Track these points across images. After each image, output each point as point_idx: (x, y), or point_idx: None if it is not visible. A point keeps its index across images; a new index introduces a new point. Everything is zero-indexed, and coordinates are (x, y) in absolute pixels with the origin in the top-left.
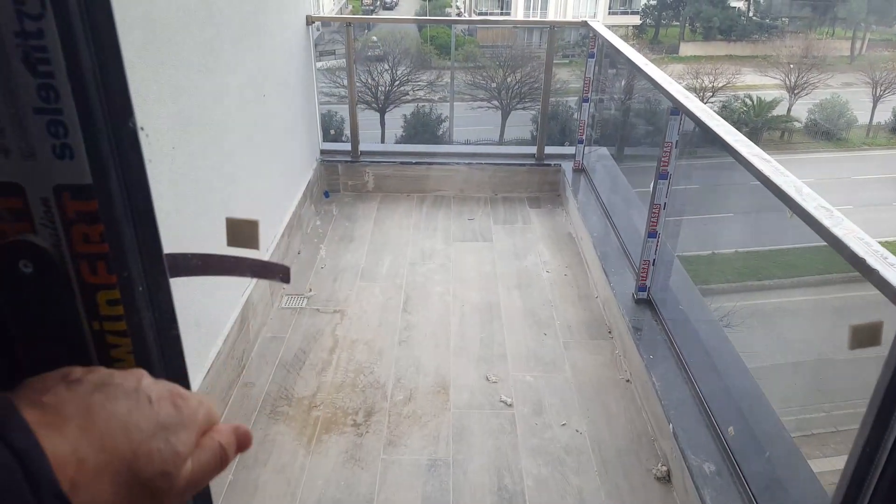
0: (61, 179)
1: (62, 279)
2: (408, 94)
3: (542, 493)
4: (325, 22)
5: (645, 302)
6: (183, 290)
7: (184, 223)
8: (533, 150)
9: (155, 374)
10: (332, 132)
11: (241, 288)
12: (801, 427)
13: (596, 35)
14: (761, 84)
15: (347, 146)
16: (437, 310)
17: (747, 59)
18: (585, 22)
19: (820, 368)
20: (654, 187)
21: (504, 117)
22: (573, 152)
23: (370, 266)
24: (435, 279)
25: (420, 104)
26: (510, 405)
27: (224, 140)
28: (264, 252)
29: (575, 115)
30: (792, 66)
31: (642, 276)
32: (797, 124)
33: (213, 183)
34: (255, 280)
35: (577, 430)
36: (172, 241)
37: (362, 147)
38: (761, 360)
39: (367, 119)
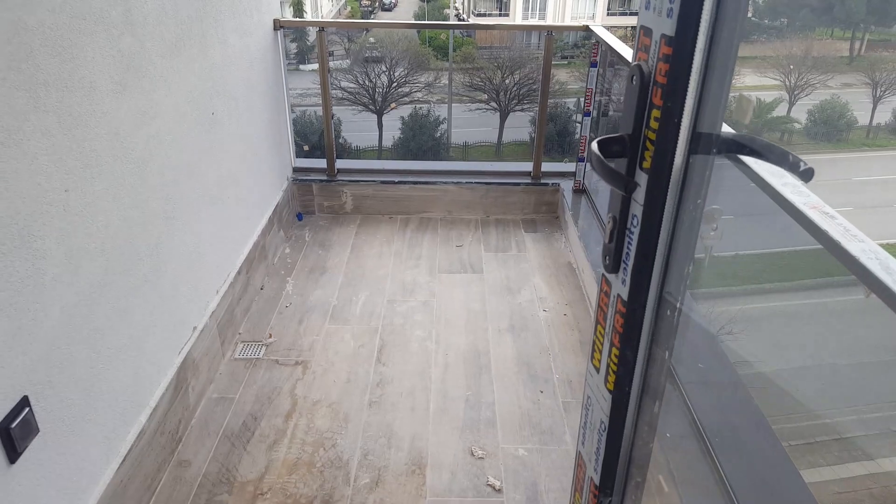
0: None
1: None
2: (406, 95)
3: None
4: (299, 27)
5: None
6: (97, 359)
7: (82, 283)
8: (529, 167)
9: None
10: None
11: (177, 344)
12: (803, 435)
13: (599, 41)
14: (760, 85)
15: (323, 163)
16: (417, 360)
17: (746, 60)
18: (587, 26)
19: (820, 374)
20: None
21: (502, 119)
22: (573, 170)
23: (342, 304)
24: (416, 320)
25: (418, 106)
26: (499, 490)
27: (149, 173)
28: (214, 294)
29: (574, 118)
30: (791, 66)
31: None
32: (797, 125)
33: (131, 228)
34: (197, 332)
35: None
36: (66, 312)
37: (339, 164)
38: (764, 366)
39: (365, 120)
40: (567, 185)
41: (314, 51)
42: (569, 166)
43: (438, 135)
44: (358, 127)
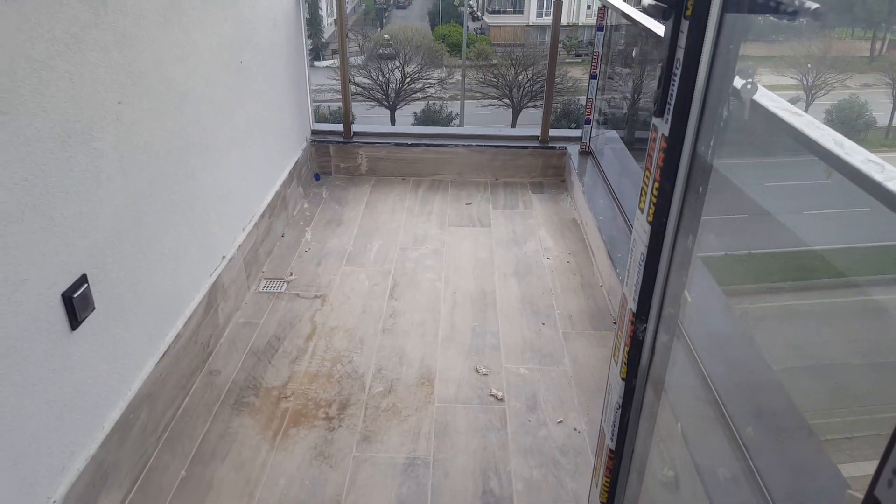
0: None
1: None
2: (418, 91)
3: (534, 499)
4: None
5: None
6: (142, 260)
7: (132, 189)
8: (537, 131)
9: None
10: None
11: (209, 268)
12: (813, 433)
13: (606, 6)
14: (778, 84)
15: (340, 126)
16: (427, 297)
17: (764, 59)
18: None
19: (835, 373)
20: None
21: (515, 115)
22: (579, 134)
23: (357, 251)
24: (426, 265)
25: (430, 101)
26: (501, 399)
27: (187, 103)
28: (240, 230)
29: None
30: (810, 66)
31: None
32: None
33: (172, 150)
34: (226, 261)
35: (574, 429)
36: (118, 210)
37: (356, 127)
38: (776, 364)
39: (378, 116)
40: (574, 150)
41: (329, 47)
42: (576, 132)
43: (446, 126)
44: (371, 122)
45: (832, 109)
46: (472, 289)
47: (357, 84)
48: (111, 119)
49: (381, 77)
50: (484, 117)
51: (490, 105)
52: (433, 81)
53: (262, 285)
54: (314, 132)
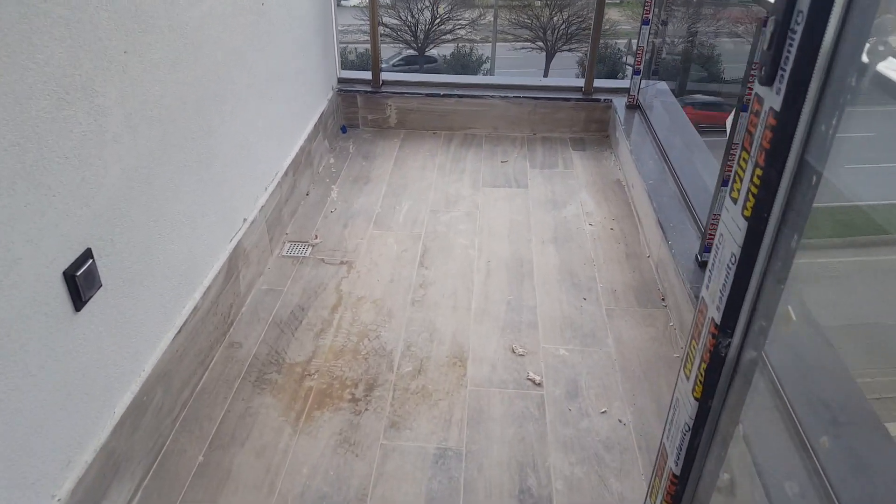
0: None
1: None
2: (448, 32)
3: (575, 499)
4: None
5: None
6: (154, 228)
7: (141, 148)
8: (580, 83)
9: None
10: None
11: (228, 232)
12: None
13: None
14: None
15: (368, 74)
16: (459, 265)
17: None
18: None
19: (870, 332)
20: (734, 121)
21: (548, 59)
22: (626, 86)
23: (386, 212)
24: (458, 229)
25: (461, 44)
26: (539, 384)
27: (202, 52)
28: (262, 190)
29: (624, 60)
30: None
31: (710, 235)
32: None
33: (186, 104)
34: (247, 223)
35: (619, 421)
36: (126, 174)
37: (385, 76)
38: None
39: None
40: (620, 102)
41: None
42: (622, 82)
43: (481, 75)
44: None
45: None
46: (507, 256)
47: (385, 25)
48: (116, 71)
49: (409, 17)
50: (516, 61)
51: (523, 48)
52: (464, 23)
53: (286, 249)
54: (341, 80)
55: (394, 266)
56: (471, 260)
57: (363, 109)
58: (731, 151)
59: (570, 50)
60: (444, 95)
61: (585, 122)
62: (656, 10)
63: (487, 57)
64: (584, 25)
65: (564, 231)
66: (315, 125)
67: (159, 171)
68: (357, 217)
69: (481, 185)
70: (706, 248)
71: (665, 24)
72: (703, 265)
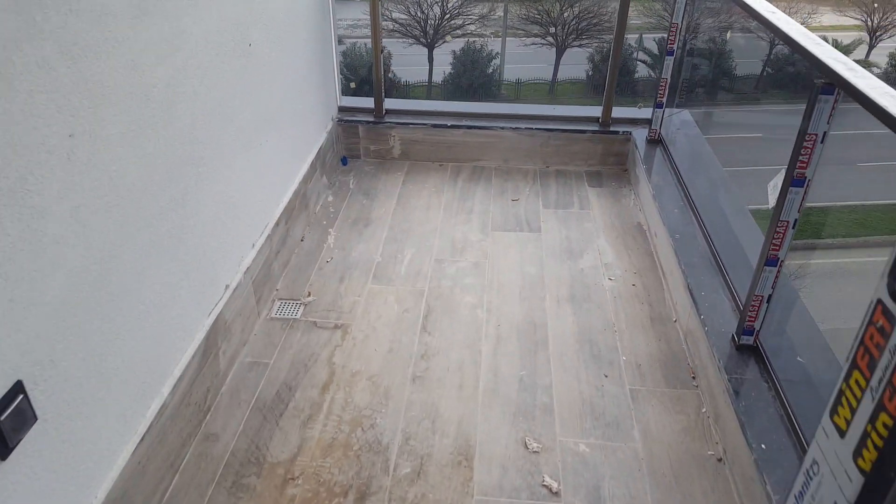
0: None
1: None
2: (458, 28)
3: None
4: None
5: (750, 350)
6: (110, 329)
7: (94, 243)
8: (596, 111)
9: None
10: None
11: (206, 306)
12: None
13: None
14: (839, 25)
15: (370, 102)
16: (466, 330)
17: None
18: None
19: None
20: (783, 196)
21: (559, 55)
22: (648, 117)
23: (386, 261)
24: (465, 283)
25: (470, 39)
26: (556, 493)
27: (175, 113)
28: (249, 248)
29: (634, 55)
30: (876, 5)
31: (749, 317)
32: (875, 70)
33: (153, 176)
34: (230, 290)
35: None
36: (73, 277)
37: (388, 104)
38: (820, 324)
39: (415, 54)
40: (640, 134)
41: None
42: (643, 112)
43: (491, 70)
44: (408, 61)
45: None
46: (519, 319)
47: (394, 20)
48: (59, 161)
49: (419, 13)
50: (526, 56)
51: (533, 44)
52: (474, 17)
53: (276, 309)
54: (341, 109)
55: (393, 331)
56: (479, 323)
57: (365, 140)
58: (777, 230)
59: (580, 46)
60: (451, 126)
61: (602, 155)
62: (682, 38)
63: (497, 52)
64: (594, 21)
65: (582, 287)
66: (312, 163)
67: (117, 263)
68: (355, 268)
69: (490, 229)
70: (746, 331)
71: (692, 53)
72: (741, 349)
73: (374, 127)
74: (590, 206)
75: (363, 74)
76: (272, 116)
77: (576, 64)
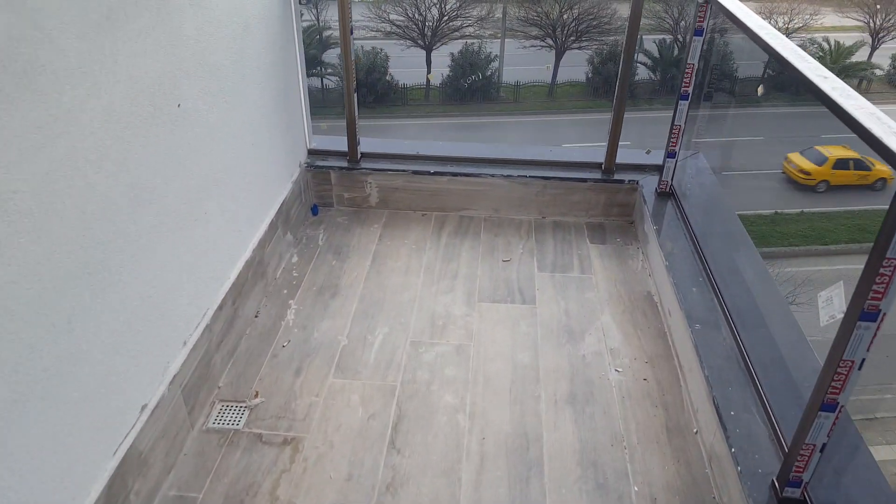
0: None
1: None
2: (457, 30)
3: None
4: None
5: None
6: None
7: None
8: (599, 156)
9: None
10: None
11: (110, 443)
12: (862, 409)
13: (708, 1)
14: (841, 26)
15: (343, 142)
16: (444, 446)
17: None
18: None
19: (888, 344)
20: (847, 329)
21: (558, 57)
22: (658, 163)
23: (354, 345)
24: (446, 376)
25: (469, 41)
26: None
27: (57, 212)
28: (180, 346)
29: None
30: (879, 6)
31: (797, 467)
32: (878, 72)
33: (31, 301)
34: (147, 411)
35: None
36: None
37: (365, 145)
38: (821, 334)
39: (413, 56)
40: (648, 184)
41: None
42: (653, 157)
43: (489, 73)
44: (406, 63)
45: None
46: (508, 429)
47: (392, 22)
48: None
49: (417, 15)
50: (525, 58)
51: (532, 46)
52: (472, 19)
53: (214, 416)
54: (312, 152)
55: (355, 447)
56: (460, 436)
57: (338, 187)
58: (839, 370)
59: (579, 48)
60: (434, 173)
61: (606, 205)
62: (698, 81)
63: (496, 55)
64: (594, 23)
65: (584, 382)
66: (272, 222)
67: None
68: (316, 354)
69: (477, 300)
70: (791, 482)
71: (709, 97)
72: (784, 502)
73: (347, 173)
74: (592, 270)
75: (360, 77)
76: (215, 181)
77: (575, 66)
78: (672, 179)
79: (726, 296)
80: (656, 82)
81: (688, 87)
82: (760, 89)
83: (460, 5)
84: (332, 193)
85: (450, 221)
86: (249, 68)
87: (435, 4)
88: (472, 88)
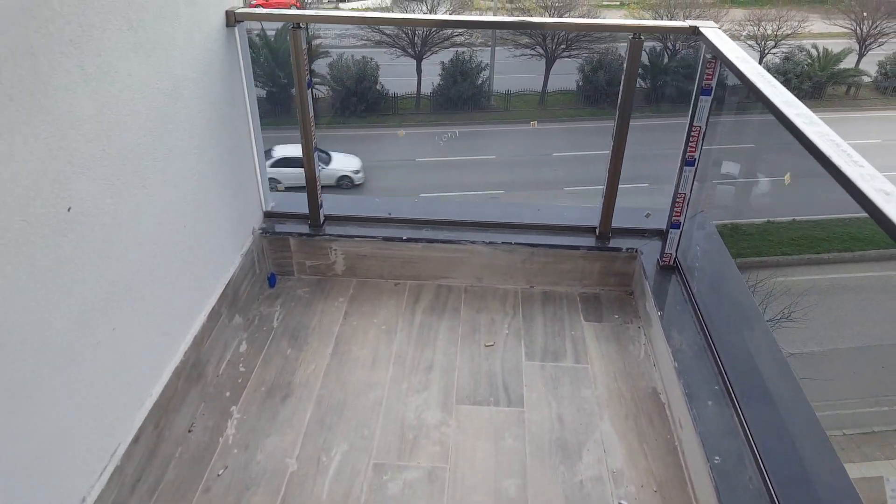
0: None
1: None
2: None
3: None
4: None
5: None
6: None
7: None
8: (593, 219)
9: None
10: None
11: None
12: (859, 423)
13: (717, 57)
14: (828, 33)
15: (304, 203)
16: None
17: (814, 5)
18: (696, 29)
19: (883, 355)
20: None
21: (548, 66)
22: (660, 227)
23: (305, 469)
24: None
25: (459, 50)
26: None
27: None
28: (90, 481)
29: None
30: (865, 14)
31: None
32: (865, 79)
33: None
34: None
35: None
36: None
37: (329, 207)
38: (818, 345)
39: (403, 64)
40: (649, 251)
41: None
42: (654, 221)
43: (480, 82)
44: (396, 72)
45: (886, 61)
46: None
47: (381, 31)
48: None
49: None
50: (516, 65)
51: (522, 55)
52: (462, 28)
53: None
54: (269, 215)
55: None
56: None
57: (299, 254)
58: None
59: (569, 56)
60: (407, 240)
61: (601, 274)
62: (705, 145)
63: (486, 63)
64: (583, 33)
65: None
66: (213, 310)
67: None
68: (257, 487)
69: (455, 401)
70: None
71: (717, 162)
72: None
73: (309, 240)
74: (588, 357)
75: (350, 86)
76: (127, 289)
77: (565, 74)
78: (676, 252)
79: (749, 415)
80: (646, 90)
81: (694, 151)
82: (788, 178)
83: (451, 13)
84: (292, 261)
85: (426, 292)
86: (180, 138)
87: (425, 13)
88: (464, 97)
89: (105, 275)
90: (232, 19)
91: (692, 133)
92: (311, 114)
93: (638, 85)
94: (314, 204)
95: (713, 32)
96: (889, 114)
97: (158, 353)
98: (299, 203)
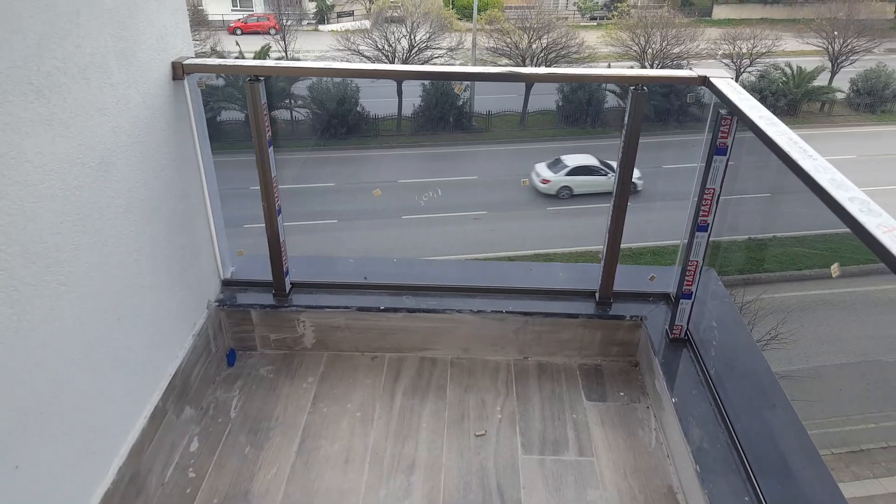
0: None
1: None
2: (427, 61)
3: None
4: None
5: None
6: None
7: None
8: (592, 281)
9: None
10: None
11: None
12: (847, 441)
13: (734, 113)
14: (801, 51)
15: (267, 270)
16: None
17: (787, 24)
18: (706, 79)
19: (868, 371)
20: None
21: (528, 87)
22: (665, 289)
23: None
24: None
25: None
26: None
27: None
28: None
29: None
30: (836, 32)
31: None
32: (839, 95)
33: None
34: None
35: None
36: None
37: (295, 274)
38: (802, 362)
39: (384, 85)
40: (654, 317)
41: (334, 10)
42: (659, 284)
43: (461, 103)
44: (376, 93)
45: (857, 78)
46: None
47: (361, 54)
48: None
49: (386, 46)
50: (495, 87)
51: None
52: (442, 50)
53: None
54: (228, 283)
55: None
56: None
57: (262, 327)
58: None
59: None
60: (385, 310)
61: (603, 343)
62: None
63: (467, 85)
64: (563, 52)
65: None
66: (157, 408)
67: None
68: None
69: None
70: None
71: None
72: None
73: (273, 312)
74: (593, 448)
75: (332, 108)
76: (36, 415)
77: (545, 94)
78: (688, 324)
79: None
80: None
81: (707, 215)
82: (835, 269)
83: (430, 37)
84: (254, 334)
85: (407, 367)
86: (111, 217)
87: (405, 36)
88: (445, 118)
89: (6, 403)
90: (180, 71)
91: (705, 196)
92: (274, 173)
93: (617, 104)
94: (279, 271)
95: (725, 84)
96: (862, 129)
97: (81, 478)
98: (263, 268)
